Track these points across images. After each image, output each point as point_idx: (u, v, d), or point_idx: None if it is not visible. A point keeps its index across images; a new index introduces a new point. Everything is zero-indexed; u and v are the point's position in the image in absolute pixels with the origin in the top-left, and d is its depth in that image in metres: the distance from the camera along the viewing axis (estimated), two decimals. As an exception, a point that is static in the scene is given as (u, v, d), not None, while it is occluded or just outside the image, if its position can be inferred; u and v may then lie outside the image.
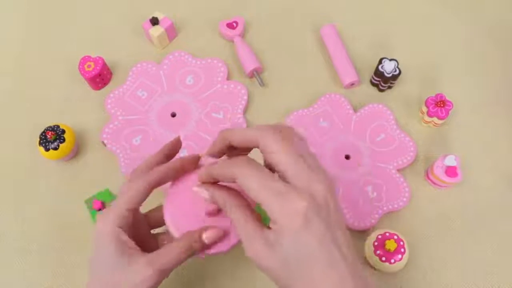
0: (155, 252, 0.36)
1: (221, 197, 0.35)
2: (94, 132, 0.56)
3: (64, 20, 0.64)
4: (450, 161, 0.50)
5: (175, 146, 0.41)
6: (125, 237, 0.36)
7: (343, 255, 0.32)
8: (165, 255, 0.36)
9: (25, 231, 0.52)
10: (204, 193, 0.36)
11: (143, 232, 0.41)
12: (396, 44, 0.61)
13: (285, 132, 0.34)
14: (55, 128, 0.52)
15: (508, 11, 0.63)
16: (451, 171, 0.50)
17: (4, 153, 0.56)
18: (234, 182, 0.33)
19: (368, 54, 0.60)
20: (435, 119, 0.54)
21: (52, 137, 0.52)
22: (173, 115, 0.55)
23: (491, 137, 0.56)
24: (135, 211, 0.38)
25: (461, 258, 0.50)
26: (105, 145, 0.54)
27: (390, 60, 0.55)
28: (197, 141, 0.54)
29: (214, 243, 0.37)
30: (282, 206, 0.31)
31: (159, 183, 0.38)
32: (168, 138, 0.54)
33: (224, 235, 0.37)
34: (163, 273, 0.36)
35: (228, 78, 0.58)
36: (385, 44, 0.61)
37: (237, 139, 0.35)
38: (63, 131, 0.52)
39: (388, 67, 0.55)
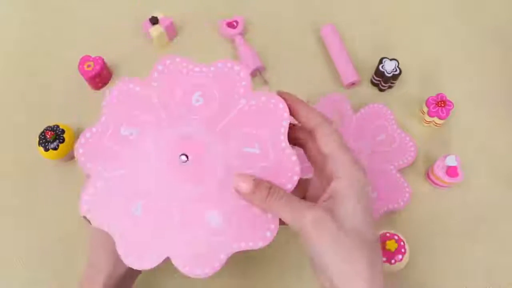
0: None
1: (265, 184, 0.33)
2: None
3: (64, 19, 0.64)
4: (451, 161, 0.50)
5: None
6: None
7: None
8: None
9: (24, 231, 0.52)
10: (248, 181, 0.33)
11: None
12: (396, 44, 0.61)
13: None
14: (55, 128, 0.52)
15: (508, 11, 0.63)
16: (452, 171, 0.50)
17: (3, 153, 0.56)
18: (310, 128, 0.35)
19: (368, 54, 0.60)
20: (435, 119, 0.54)
21: (51, 137, 0.51)
22: (184, 159, 0.35)
23: (492, 137, 0.56)
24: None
25: (461, 258, 0.50)
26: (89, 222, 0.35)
27: (391, 60, 0.55)
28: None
29: None
30: (351, 161, 0.33)
31: None
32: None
33: None
34: None
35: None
36: (385, 44, 0.61)
37: (302, 113, 0.35)
38: (63, 131, 0.52)
39: (388, 67, 0.55)
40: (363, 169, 0.33)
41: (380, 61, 0.55)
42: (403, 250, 0.46)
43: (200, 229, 0.34)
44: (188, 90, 0.37)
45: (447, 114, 0.53)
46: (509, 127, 0.56)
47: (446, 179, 0.50)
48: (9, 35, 0.63)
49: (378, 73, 0.55)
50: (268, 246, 0.34)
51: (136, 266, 0.33)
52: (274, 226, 0.34)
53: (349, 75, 0.57)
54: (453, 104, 0.53)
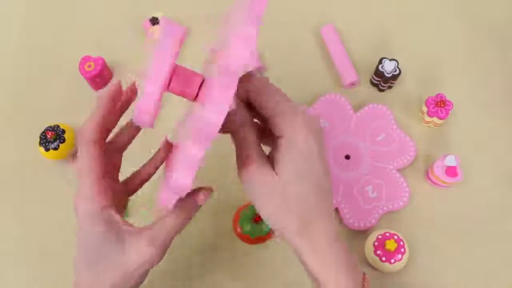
0: (153, 229, 0.35)
1: (245, 116, 0.36)
2: (94, 132, 0.56)
3: (64, 19, 0.64)
4: (451, 161, 0.50)
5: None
6: (117, 218, 0.35)
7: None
8: (164, 229, 0.35)
9: (25, 231, 0.52)
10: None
11: (122, 202, 0.40)
12: (396, 44, 0.61)
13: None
14: (55, 128, 0.52)
15: (508, 11, 0.63)
16: (451, 171, 0.50)
17: (4, 153, 0.56)
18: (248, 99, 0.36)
19: (368, 54, 0.60)
20: (435, 119, 0.54)
21: (52, 137, 0.52)
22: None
23: (492, 137, 0.56)
24: (113, 180, 0.37)
25: (461, 258, 0.50)
26: None
27: (390, 60, 0.55)
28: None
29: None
30: (292, 120, 0.35)
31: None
32: None
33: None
34: (166, 247, 0.35)
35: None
36: (385, 44, 0.61)
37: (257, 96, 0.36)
38: (63, 131, 0.52)
39: (388, 67, 0.55)
40: (304, 114, 0.35)
41: (380, 61, 0.55)
42: (403, 250, 0.46)
43: None
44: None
45: (447, 114, 0.53)
46: (509, 127, 0.56)
47: (446, 179, 0.50)
48: (9, 35, 0.63)
49: (378, 73, 0.56)
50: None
51: None
52: None
53: (349, 75, 0.57)
54: (452, 104, 0.53)
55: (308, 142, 0.35)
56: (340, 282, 0.35)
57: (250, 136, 0.36)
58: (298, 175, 0.35)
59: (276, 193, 0.34)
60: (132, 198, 0.42)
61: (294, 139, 0.35)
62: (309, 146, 0.35)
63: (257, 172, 0.35)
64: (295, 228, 0.35)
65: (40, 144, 0.52)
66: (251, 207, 0.48)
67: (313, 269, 0.35)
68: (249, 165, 0.35)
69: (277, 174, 0.35)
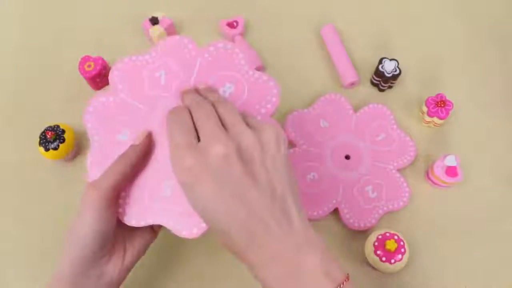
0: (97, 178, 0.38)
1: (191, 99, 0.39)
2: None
3: (64, 19, 0.64)
4: (451, 161, 0.50)
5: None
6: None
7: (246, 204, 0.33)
8: (106, 174, 0.38)
9: (25, 231, 0.52)
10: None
11: None
12: (396, 44, 0.61)
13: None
14: (55, 128, 0.52)
15: (508, 10, 0.63)
16: (451, 171, 0.50)
17: (4, 153, 0.56)
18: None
19: (368, 54, 0.60)
20: (435, 119, 0.54)
21: (52, 137, 0.52)
22: None
23: (492, 137, 0.56)
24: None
25: (461, 258, 0.50)
26: None
27: (391, 60, 0.55)
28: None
29: (147, 144, 0.39)
30: (174, 163, 0.35)
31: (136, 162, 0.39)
32: None
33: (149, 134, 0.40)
34: (111, 190, 0.37)
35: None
36: (385, 44, 0.61)
37: None
38: (63, 131, 0.52)
39: (388, 67, 0.55)
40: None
41: (380, 61, 0.55)
42: (403, 250, 0.46)
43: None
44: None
45: (447, 114, 0.53)
46: (509, 127, 0.56)
47: (446, 179, 0.50)
48: (9, 35, 0.63)
49: (378, 73, 0.56)
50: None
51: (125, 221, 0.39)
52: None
53: (349, 75, 0.57)
54: (452, 104, 0.53)
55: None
56: None
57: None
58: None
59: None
60: None
61: None
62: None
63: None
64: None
65: (40, 144, 0.52)
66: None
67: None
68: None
69: None
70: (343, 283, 0.33)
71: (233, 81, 0.42)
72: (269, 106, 0.41)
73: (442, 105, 0.53)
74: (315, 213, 0.50)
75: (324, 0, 0.64)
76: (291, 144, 0.54)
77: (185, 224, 0.38)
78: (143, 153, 0.39)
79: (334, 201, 0.51)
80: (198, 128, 0.35)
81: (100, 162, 0.40)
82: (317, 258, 0.33)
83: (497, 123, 0.56)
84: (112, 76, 0.43)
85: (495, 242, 0.50)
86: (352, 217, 0.50)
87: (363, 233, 0.50)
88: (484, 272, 0.49)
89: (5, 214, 0.53)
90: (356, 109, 0.56)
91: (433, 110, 0.53)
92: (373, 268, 0.48)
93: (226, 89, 0.41)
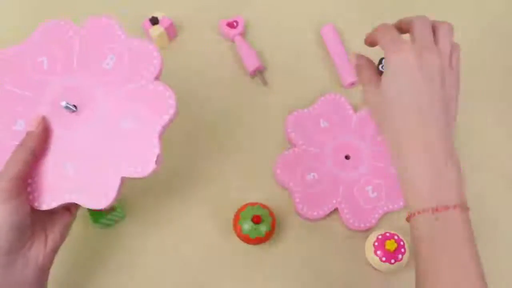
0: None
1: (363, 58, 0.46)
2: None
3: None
4: (450, 161, 0.50)
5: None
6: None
7: (434, 111, 0.39)
8: (9, 163, 0.39)
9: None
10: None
11: None
12: (396, 44, 0.61)
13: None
14: None
15: (508, 10, 0.63)
16: (451, 171, 0.50)
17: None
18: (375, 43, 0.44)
19: (368, 54, 0.60)
20: (435, 119, 0.54)
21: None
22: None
23: (492, 137, 0.56)
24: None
25: (461, 258, 0.50)
26: None
27: (390, 60, 0.55)
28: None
29: (44, 128, 0.41)
30: (395, 56, 0.40)
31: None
32: None
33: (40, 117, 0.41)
34: (18, 180, 0.38)
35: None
36: (385, 44, 0.61)
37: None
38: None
39: (388, 67, 0.55)
40: None
41: (380, 61, 0.55)
42: (403, 250, 0.46)
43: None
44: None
45: (447, 114, 0.53)
46: (509, 127, 0.56)
47: (446, 179, 0.50)
48: (8, 36, 0.63)
49: (378, 73, 0.55)
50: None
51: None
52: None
53: (349, 75, 0.57)
54: (453, 104, 0.53)
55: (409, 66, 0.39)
56: (417, 202, 0.38)
57: (366, 64, 0.45)
58: (399, 93, 0.40)
59: (380, 107, 0.42)
60: None
61: (397, 64, 0.40)
62: (410, 69, 0.39)
63: (368, 90, 0.43)
64: (390, 147, 0.41)
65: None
66: (251, 207, 0.48)
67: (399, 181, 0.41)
68: (363, 85, 0.44)
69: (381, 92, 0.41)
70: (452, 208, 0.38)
71: (114, 52, 0.43)
72: (152, 69, 0.42)
73: (442, 105, 0.53)
74: (315, 213, 0.50)
75: (324, 0, 0.64)
76: (291, 144, 0.54)
77: (92, 196, 0.40)
78: (40, 138, 0.41)
79: (334, 201, 0.51)
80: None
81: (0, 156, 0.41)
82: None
83: (497, 123, 0.56)
84: None
85: (495, 242, 0.50)
86: (352, 217, 0.50)
87: (363, 233, 0.50)
88: (484, 271, 0.49)
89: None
90: (356, 109, 0.56)
91: (433, 110, 0.53)
92: (373, 268, 0.48)
93: (109, 61, 0.43)
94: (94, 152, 0.41)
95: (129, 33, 0.62)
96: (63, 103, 0.41)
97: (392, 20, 0.62)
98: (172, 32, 0.60)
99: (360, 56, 0.46)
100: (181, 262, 0.50)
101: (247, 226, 0.47)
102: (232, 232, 0.50)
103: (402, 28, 0.45)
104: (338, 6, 0.64)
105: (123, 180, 0.40)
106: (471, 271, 0.36)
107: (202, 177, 0.54)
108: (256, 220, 0.47)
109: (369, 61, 0.46)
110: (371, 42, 0.46)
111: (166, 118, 0.40)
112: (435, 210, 0.37)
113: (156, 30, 0.58)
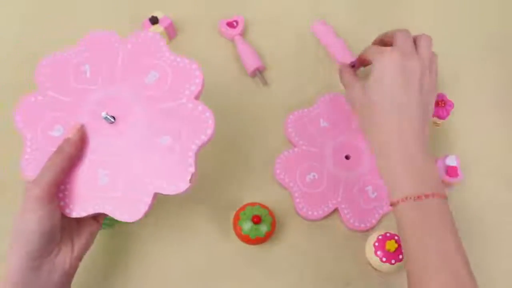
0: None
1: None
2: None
3: (63, 19, 0.64)
4: (451, 161, 0.50)
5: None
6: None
7: (413, 112, 0.45)
8: (44, 171, 0.39)
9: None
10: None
11: None
12: (396, 44, 0.61)
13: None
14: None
15: (509, 11, 0.63)
16: (452, 171, 0.50)
17: (4, 154, 0.56)
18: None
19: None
20: (435, 119, 0.54)
21: None
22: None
23: (492, 137, 0.56)
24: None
25: (461, 258, 0.50)
26: None
27: (391, 60, 0.55)
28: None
29: (81, 137, 0.41)
30: (380, 57, 0.46)
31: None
32: None
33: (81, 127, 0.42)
34: (52, 185, 0.39)
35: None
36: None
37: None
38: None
39: (388, 67, 0.55)
40: None
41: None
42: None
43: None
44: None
45: (447, 114, 0.53)
46: (509, 127, 0.56)
47: (446, 179, 0.50)
48: (9, 35, 0.63)
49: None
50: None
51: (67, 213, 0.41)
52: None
53: (350, 60, 0.57)
54: (453, 104, 0.53)
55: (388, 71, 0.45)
56: (399, 193, 0.43)
57: (346, 69, 0.52)
58: (382, 94, 0.45)
59: (362, 106, 0.48)
60: None
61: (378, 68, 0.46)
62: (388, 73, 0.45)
63: (348, 90, 0.50)
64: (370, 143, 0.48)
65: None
66: (251, 207, 0.48)
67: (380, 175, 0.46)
68: (345, 86, 0.51)
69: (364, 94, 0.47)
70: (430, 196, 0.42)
71: (157, 68, 0.43)
72: (193, 88, 0.42)
73: (443, 105, 0.53)
74: (315, 213, 0.50)
75: (324, 0, 0.64)
76: (291, 144, 0.54)
77: (124, 209, 0.40)
78: (77, 146, 0.41)
79: (334, 201, 0.51)
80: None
81: (35, 160, 0.42)
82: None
83: (497, 123, 0.56)
84: (38, 74, 0.45)
85: (495, 242, 0.50)
86: (352, 217, 0.50)
87: (363, 233, 0.50)
88: (483, 272, 0.49)
89: (5, 214, 0.52)
90: (356, 109, 0.56)
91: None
92: (374, 268, 0.48)
93: (151, 77, 0.43)
94: (129, 165, 0.41)
95: (129, 33, 0.62)
96: (103, 114, 0.41)
97: (393, 21, 0.63)
98: (172, 31, 0.60)
99: (341, 64, 0.54)
100: (181, 262, 0.50)
101: (247, 226, 0.47)
102: (232, 232, 0.50)
103: (386, 41, 0.50)
104: (338, 6, 0.64)
105: (156, 196, 0.40)
106: (452, 247, 0.40)
107: (202, 177, 0.53)
108: (256, 220, 0.47)
109: (349, 66, 0.54)
110: (362, 61, 0.52)
111: (203, 138, 0.41)
112: (417, 198, 0.41)
113: (156, 29, 0.58)
